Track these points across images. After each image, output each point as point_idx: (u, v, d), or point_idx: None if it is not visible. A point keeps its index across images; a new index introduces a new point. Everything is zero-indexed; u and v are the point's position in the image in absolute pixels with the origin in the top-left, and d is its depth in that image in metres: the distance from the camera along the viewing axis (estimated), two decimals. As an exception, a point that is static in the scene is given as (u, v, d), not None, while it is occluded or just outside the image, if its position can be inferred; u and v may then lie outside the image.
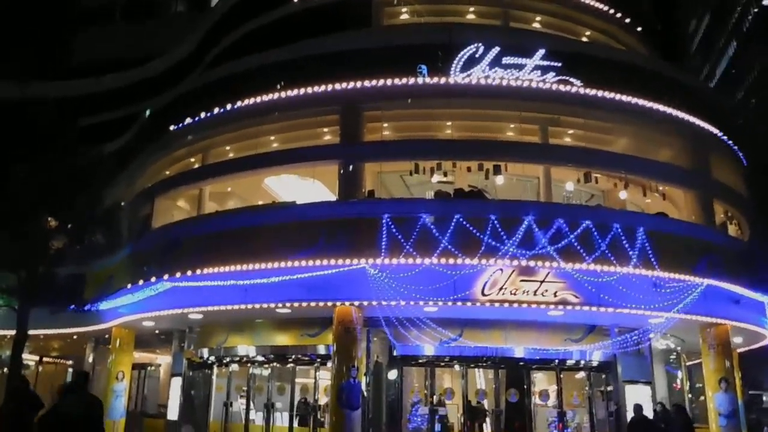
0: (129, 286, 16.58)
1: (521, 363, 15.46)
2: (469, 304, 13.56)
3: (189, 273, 14.77)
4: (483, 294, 13.59)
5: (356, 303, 13.94)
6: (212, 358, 17.60)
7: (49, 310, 17.52)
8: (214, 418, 17.09)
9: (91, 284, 20.20)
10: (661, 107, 16.62)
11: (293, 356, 16.39)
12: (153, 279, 15.58)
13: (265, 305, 14.41)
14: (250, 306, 14.58)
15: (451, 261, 13.44)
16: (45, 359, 26.29)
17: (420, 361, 15.72)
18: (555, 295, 13.80)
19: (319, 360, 15.82)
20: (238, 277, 14.28)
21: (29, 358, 25.93)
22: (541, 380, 16.59)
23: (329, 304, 14.00)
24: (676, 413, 13.30)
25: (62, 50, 33.95)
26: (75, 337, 22.08)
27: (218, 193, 18.65)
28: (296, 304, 14.14)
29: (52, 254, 17.41)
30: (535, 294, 13.72)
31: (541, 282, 13.74)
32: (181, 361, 18.45)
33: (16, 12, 35.72)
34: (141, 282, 15.92)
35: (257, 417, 16.60)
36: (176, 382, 18.51)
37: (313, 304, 13.97)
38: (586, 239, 13.93)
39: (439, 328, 14.35)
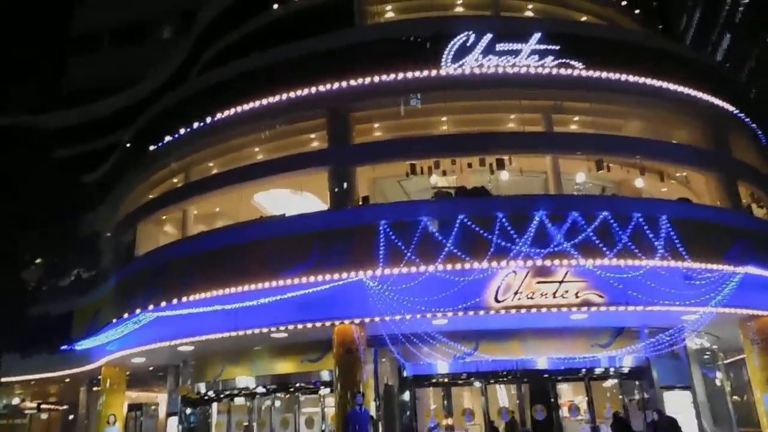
0: (114, 320, 15.42)
1: (545, 375, 14.18)
2: (481, 312, 12.32)
3: (174, 301, 13.79)
4: (496, 300, 12.35)
5: (357, 321, 12.70)
6: (210, 392, 16.33)
7: (20, 355, 16.32)
8: (216, 459, 15.75)
9: (79, 321, 19.05)
10: (672, 86, 15.61)
11: (296, 385, 15.14)
12: (137, 310, 14.45)
13: (257, 330, 13.13)
14: (242, 332, 13.35)
15: (458, 266, 12.30)
16: (43, 405, 25.08)
17: (434, 380, 14.46)
18: (576, 296, 12.51)
19: (324, 387, 14.59)
20: (226, 301, 13.16)
21: (27, 406, 24.86)
22: (568, 392, 15.18)
23: (327, 324, 12.76)
24: (668, 427, 11.93)
25: (54, 79, 33.67)
26: (68, 380, 20.92)
27: (205, 215, 17.51)
28: (291, 327, 12.91)
29: (30, 292, 16.28)
30: (554, 296, 12.46)
31: (560, 282, 12.50)
32: (177, 399, 17.12)
33: (9, 45, 35.74)
34: (126, 315, 14.78)
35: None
36: (173, 422, 17.19)
37: (309, 325, 12.74)
38: (606, 232, 12.83)
39: (452, 342, 13.22)
